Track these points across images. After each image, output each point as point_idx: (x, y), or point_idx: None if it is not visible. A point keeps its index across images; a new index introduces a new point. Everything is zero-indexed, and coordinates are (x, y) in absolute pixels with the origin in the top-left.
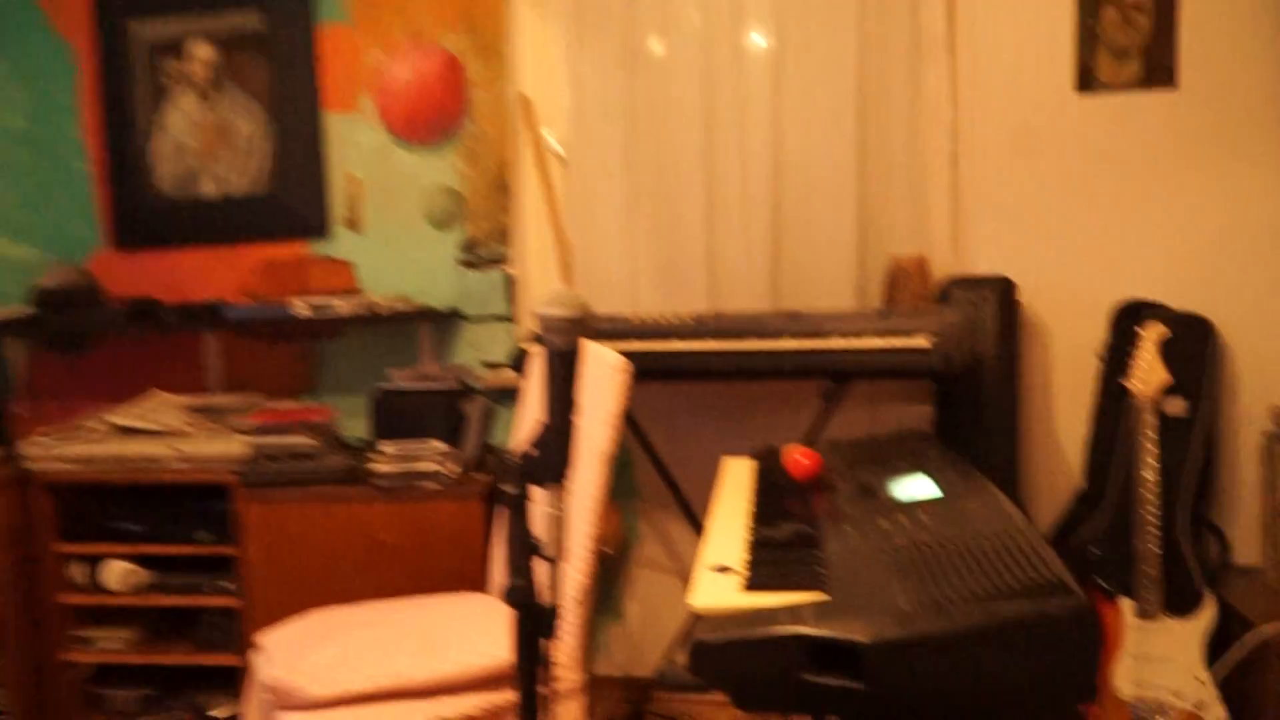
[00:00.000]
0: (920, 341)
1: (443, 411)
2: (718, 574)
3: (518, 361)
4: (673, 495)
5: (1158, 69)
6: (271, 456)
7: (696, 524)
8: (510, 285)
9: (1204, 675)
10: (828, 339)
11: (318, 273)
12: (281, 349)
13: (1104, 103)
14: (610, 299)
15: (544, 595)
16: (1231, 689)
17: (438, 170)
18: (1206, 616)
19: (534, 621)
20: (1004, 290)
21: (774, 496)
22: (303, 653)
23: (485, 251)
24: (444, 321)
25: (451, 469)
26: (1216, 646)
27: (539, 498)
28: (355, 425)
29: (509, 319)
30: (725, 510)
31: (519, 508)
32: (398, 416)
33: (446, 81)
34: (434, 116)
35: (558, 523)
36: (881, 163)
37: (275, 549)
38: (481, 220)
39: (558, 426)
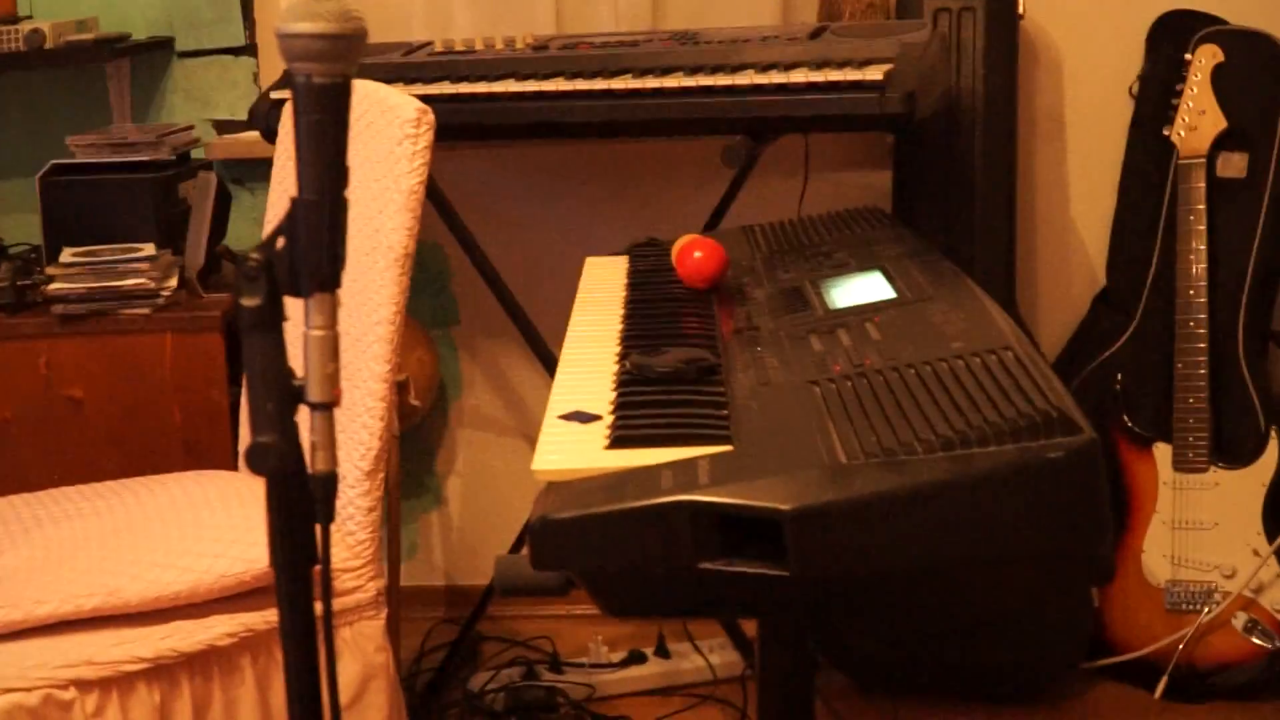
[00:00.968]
0: (872, 74)
1: (150, 198)
2: (572, 423)
3: (264, 118)
4: (511, 319)
5: None
6: None
7: (547, 360)
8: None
9: (1264, 547)
10: (736, 74)
11: None
12: None
13: None
14: (405, 20)
15: (313, 461)
16: None
17: None
18: (1270, 466)
19: (297, 498)
20: None
21: (657, 311)
22: None
23: None
24: (147, 58)
25: (168, 285)
26: None
27: (298, 315)
28: (16, 225)
29: (249, 51)
30: (585, 333)
31: (266, 328)
32: (81, 208)
33: None
34: None
35: (327, 348)
36: None
37: None
38: None
39: (318, 205)
